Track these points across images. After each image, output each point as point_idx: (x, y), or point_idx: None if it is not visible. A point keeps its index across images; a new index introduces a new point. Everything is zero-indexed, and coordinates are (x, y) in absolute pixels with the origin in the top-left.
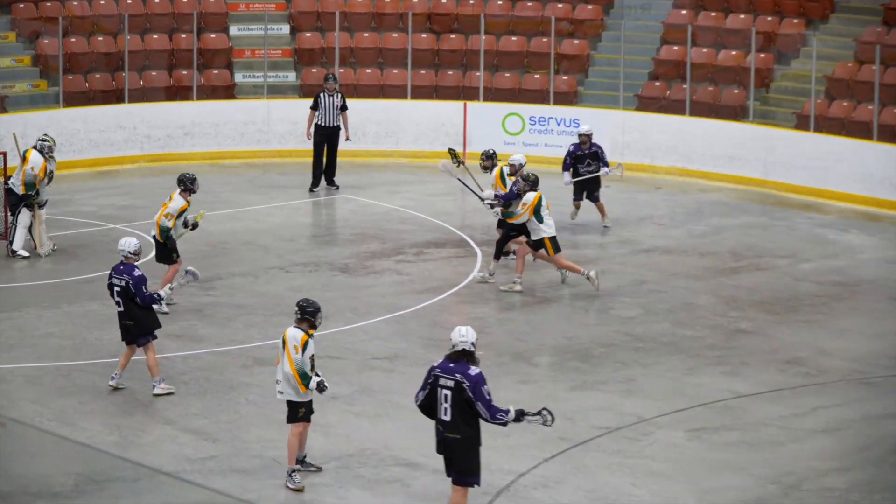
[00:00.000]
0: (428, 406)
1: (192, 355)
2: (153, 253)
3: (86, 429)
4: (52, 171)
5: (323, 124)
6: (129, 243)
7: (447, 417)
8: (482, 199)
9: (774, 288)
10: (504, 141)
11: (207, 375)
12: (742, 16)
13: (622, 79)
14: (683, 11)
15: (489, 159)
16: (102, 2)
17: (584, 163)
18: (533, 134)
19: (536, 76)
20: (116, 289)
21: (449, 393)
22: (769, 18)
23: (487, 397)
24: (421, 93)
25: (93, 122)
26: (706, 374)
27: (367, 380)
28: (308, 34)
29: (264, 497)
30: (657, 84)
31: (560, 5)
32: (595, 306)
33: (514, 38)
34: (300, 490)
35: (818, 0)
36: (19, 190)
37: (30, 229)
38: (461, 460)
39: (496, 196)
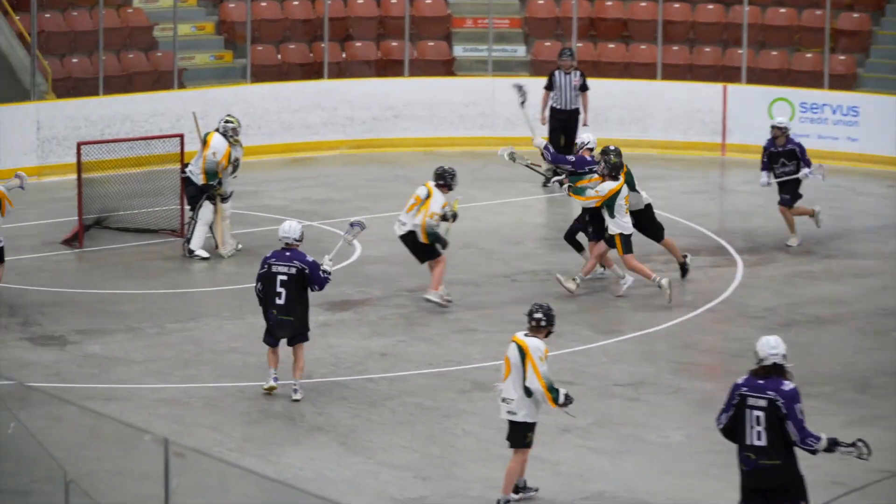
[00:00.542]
0: (731, 430)
1: (399, 377)
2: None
3: (274, 461)
4: (237, 159)
5: (559, 107)
6: (293, 229)
7: (762, 442)
8: (548, 178)
9: None
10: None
11: (418, 401)
12: None
13: None
14: None
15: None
16: None
17: (779, 162)
18: (804, 123)
19: (808, 55)
20: (282, 278)
21: (762, 414)
22: None
23: (800, 417)
24: (673, 72)
25: (285, 101)
26: None
27: (606, 409)
28: (541, 1)
29: None
30: None
31: None
32: (874, 328)
33: (782, 10)
34: None
35: None
36: (199, 179)
37: (211, 226)
38: (788, 489)
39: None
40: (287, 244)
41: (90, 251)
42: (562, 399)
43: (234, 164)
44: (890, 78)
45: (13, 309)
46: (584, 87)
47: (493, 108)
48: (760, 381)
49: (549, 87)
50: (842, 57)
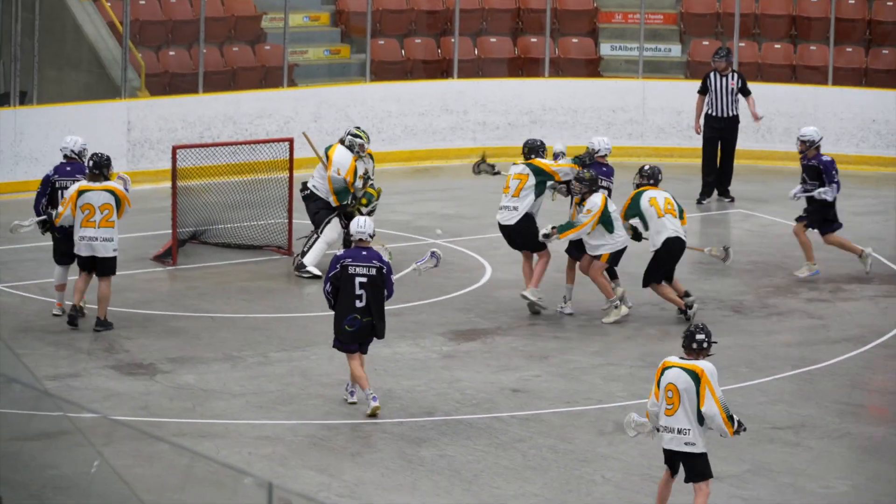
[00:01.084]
0: None
1: (532, 416)
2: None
3: None
4: (366, 171)
5: (714, 114)
6: (368, 224)
7: None
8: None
9: None
10: None
11: (552, 444)
12: None
13: None
14: None
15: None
16: None
17: (801, 179)
18: None
19: None
20: (361, 280)
21: None
22: None
23: None
24: (846, 77)
25: (409, 103)
26: None
27: (763, 455)
28: None
29: None
30: None
31: None
32: None
33: None
34: None
35: None
36: (330, 200)
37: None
38: None
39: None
40: (361, 240)
41: (184, 269)
42: (736, 426)
43: (364, 179)
44: None
45: (97, 333)
46: (745, 91)
47: (643, 115)
48: None
49: (703, 90)
50: None
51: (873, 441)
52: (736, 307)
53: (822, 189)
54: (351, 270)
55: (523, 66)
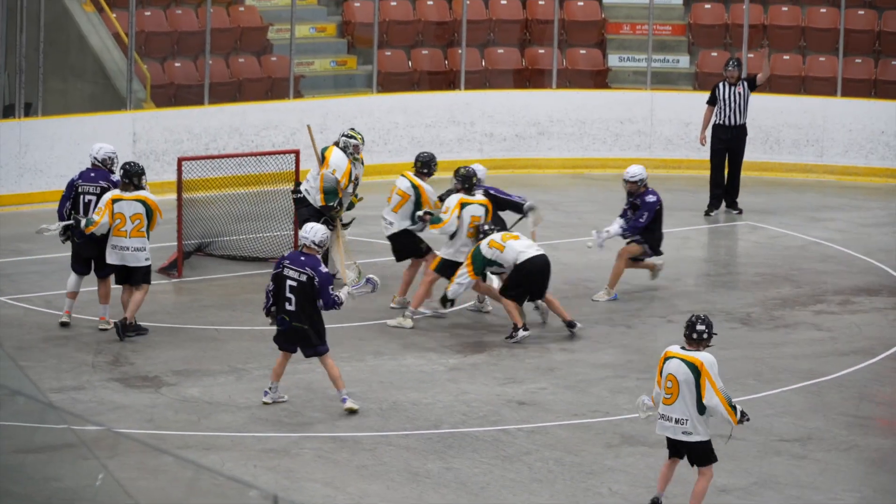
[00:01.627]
0: None
1: (538, 428)
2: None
3: None
4: (357, 177)
5: (723, 123)
6: (315, 231)
7: None
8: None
9: None
10: None
11: (559, 456)
12: None
13: None
14: None
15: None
16: None
17: (623, 212)
18: None
19: None
20: (291, 283)
21: None
22: None
23: None
24: (855, 89)
25: (416, 114)
26: None
27: (770, 468)
28: (707, 6)
29: None
30: None
31: None
32: None
33: None
34: None
35: None
36: (317, 200)
37: (326, 253)
38: None
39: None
40: (306, 247)
41: (190, 281)
42: (740, 416)
43: (355, 184)
44: None
45: (101, 345)
46: (752, 84)
47: (651, 126)
48: None
49: (712, 101)
50: None
51: (881, 453)
52: (743, 319)
53: (610, 228)
54: (285, 272)
55: (531, 78)
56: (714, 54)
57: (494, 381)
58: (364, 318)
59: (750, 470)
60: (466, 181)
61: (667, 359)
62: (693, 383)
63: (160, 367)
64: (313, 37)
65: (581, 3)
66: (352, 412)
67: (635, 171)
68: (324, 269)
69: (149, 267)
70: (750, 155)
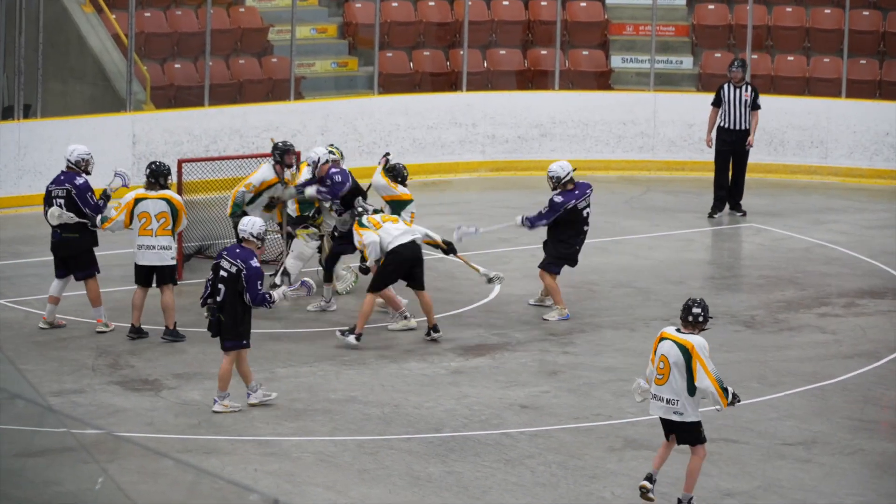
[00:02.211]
0: None
1: (541, 432)
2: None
3: None
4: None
5: (727, 126)
6: (253, 223)
7: None
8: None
9: None
10: None
11: (562, 460)
12: None
13: None
14: None
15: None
16: None
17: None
18: None
19: None
20: (223, 273)
21: None
22: None
23: None
24: (859, 90)
25: (418, 116)
26: None
27: (774, 472)
28: (711, 6)
29: None
30: None
31: None
32: None
33: None
34: None
35: None
36: (293, 210)
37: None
38: None
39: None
40: (244, 240)
41: (190, 284)
42: (731, 398)
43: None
44: None
45: (102, 348)
46: (755, 106)
47: (654, 128)
48: None
49: (717, 103)
50: None
51: (886, 457)
52: (747, 322)
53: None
54: (220, 262)
55: (533, 79)
56: (718, 55)
57: (497, 385)
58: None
59: (754, 474)
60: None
61: (661, 339)
62: (683, 366)
63: (160, 370)
64: (314, 38)
65: (584, 4)
66: (256, 406)
67: (552, 167)
68: (255, 263)
69: (175, 266)
70: (754, 157)
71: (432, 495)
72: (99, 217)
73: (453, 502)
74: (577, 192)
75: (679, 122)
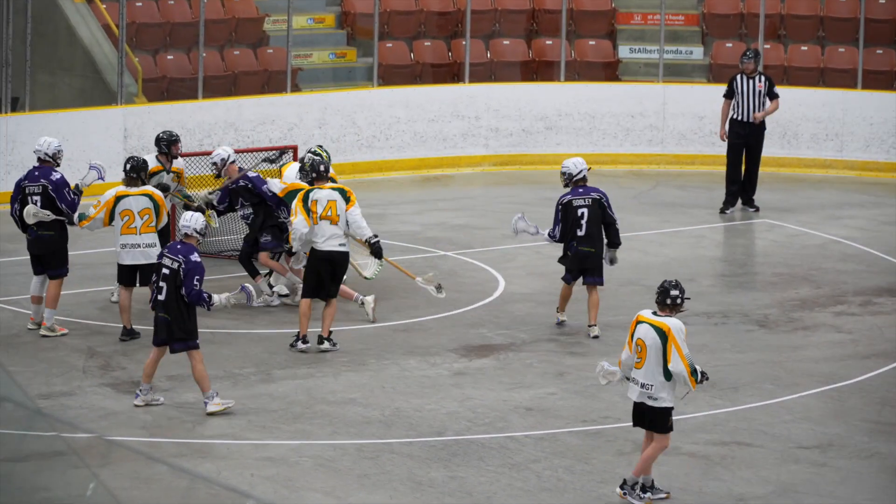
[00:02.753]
0: None
1: (547, 435)
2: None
3: None
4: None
5: (740, 118)
6: (195, 219)
7: None
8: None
9: None
10: None
11: (569, 464)
12: None
13: None
14: None
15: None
16: None
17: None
18: None
19: None
20: (164, 271)
21: None
22: None
23: None
24: (876, 80)
25: (418, 109)
26: None
27: (788, 476)
28: None
29: None
30: None
31: None
32: None
33: None
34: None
35: None
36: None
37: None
38: None
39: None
40: (186, 235)
41: None
42: (700, 377)
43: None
44: None
45: (93, 350)
46: (772, 95)
47: (663, 121)
48: None
49: (729, 94)
50: None
51: None
52: (761, 321)
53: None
54: (161, 260)
55: (538, 70)
56: (729, 45)
57: (501, 386)
58: (365, 321)
59: (768, 478)
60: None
61: (638, 323)
62: (661, 349)
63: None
64: (311, 28)
65: None
66: (215, 414)
67: (566, 163)
68: (195, 258)
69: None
70: (767, 150)
71: (435, 501)
72: (76, 215)
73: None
74: (580, 190)
75: (689, 115)
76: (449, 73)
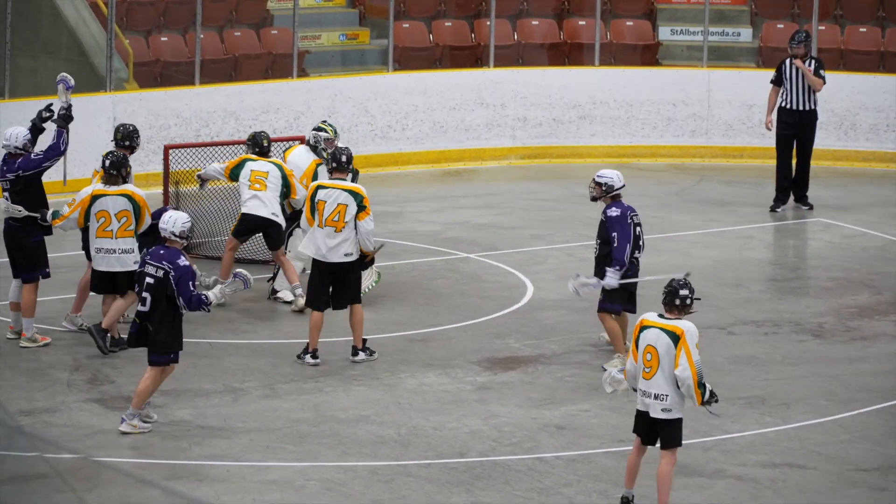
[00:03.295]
0: None
1: (580, 456)
2: None
3: None
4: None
5: (789, 107)
6: (174, 221)
7: None
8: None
9: None
10: None
11: (603, 488)
12: None
13: None
14: None
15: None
16: None
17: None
18: None
19: None
20: (148, 280)
21: None
22: None
23: None
24: None
25: (438, 96)
26: None
27: (846, 501)
28: None
29: None
30: None
31: None
32: None
33: None
34: None
35: None
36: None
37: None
38: None
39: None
40: (168, 239)
41: None
42: (707, 396)
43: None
44: None
45: (78, 362)
46: (818, 75)
47: (708, 109)
48: None
49: (777, 81)
50: None
51: None
52: (815, 331)
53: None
54: (143, 268)
55: (570, 53)
56: (780, 26)
57: (529, 403)
58: (380, 331)
59: (823, 502)
60: (256, 146)
61: (643, 328)
62: (674, 354)
63: None
64: (320, 7)
65: None
66: (126, 434)
67: (607, 173)
68: (183, 262)
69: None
70: (821, 142)
71: None
72: (50, 213)
73: None
74: (624, 204)
75: (736, 103)
76: (471, 56)
